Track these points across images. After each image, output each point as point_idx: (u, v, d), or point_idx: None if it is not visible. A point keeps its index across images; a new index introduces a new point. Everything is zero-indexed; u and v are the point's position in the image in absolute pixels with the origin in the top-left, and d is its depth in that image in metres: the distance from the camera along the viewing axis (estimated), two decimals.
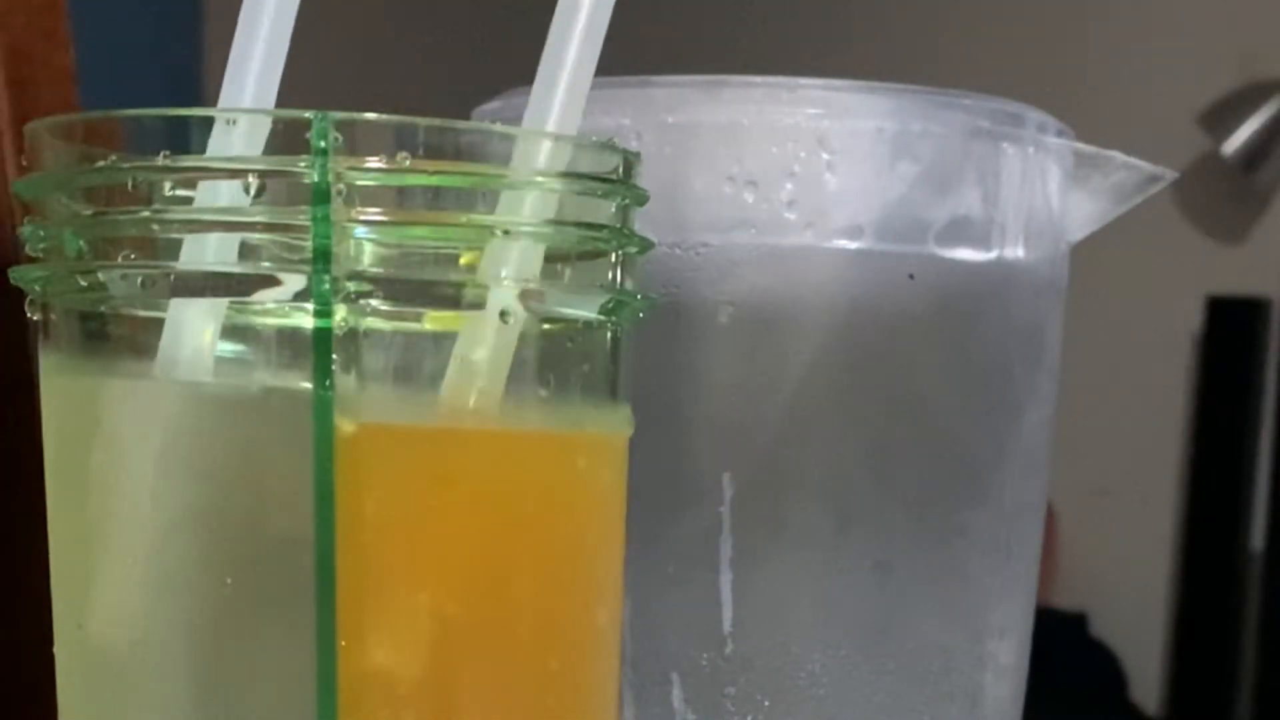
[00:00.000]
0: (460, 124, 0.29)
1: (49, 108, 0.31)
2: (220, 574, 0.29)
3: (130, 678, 0.30)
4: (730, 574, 0.42)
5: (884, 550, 0.43)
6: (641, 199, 0.32)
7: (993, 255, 0.44)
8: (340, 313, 0.28)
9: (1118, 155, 0.46)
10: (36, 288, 0.30)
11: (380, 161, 0.28)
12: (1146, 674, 2.25)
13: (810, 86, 0.43)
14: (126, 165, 0.29)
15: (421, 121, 0.28)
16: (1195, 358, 2.27)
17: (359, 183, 0.28)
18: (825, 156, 0.42)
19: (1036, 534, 0.47)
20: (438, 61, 2.38)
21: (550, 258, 0.31)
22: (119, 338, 0.31)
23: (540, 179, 0.30)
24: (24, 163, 0.31)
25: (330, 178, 0.28)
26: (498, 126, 0.29)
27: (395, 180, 0.29)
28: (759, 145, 0.42)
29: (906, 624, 0.43)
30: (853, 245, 0.43)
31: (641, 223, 0.32)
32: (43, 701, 0.33)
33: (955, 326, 0.44)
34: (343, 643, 0.28)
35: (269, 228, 0.29)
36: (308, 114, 0.28)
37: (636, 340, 0.32)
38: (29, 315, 0.31)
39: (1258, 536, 2.22)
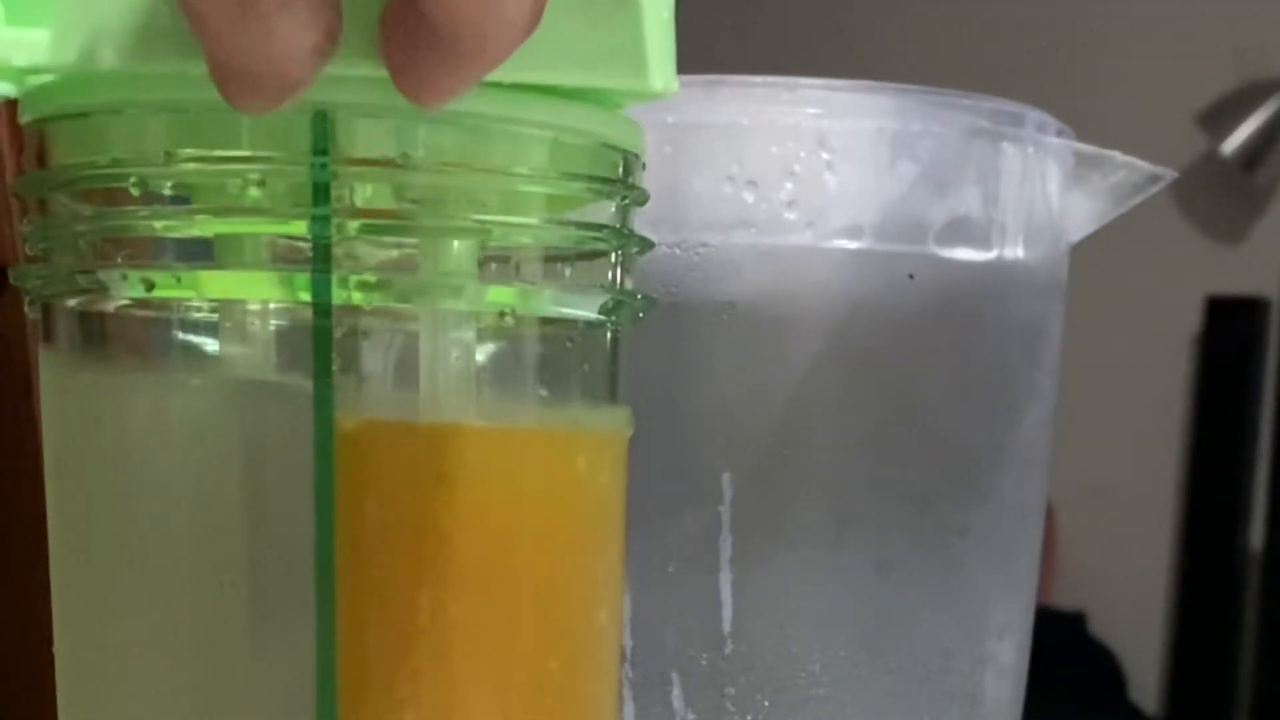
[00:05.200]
0: (461, 121, 0.29)
1: None
2: (220, 573, 0.29)
3: (130, 678, 0.30)
4: (730, 574, 0.42)
5: (884, 550, 0.43)
6: (641, 199, 0.32)
7: (993, 255, 0.44)
8: (340, 312, 0.28)
9: (1117, 155, 0.46)
10: (36, 288, 0.30)
11: (380, 160, 0.28)
12: (1145, 673, 2.25)
13: (810, 86, 0.43)
14: (126, 165, 0.29)
15: (422, 119, 0.28)
16: (1195, 358, 2.28)
17: (359, 182, 0.28)
18: (825, 156, 0.42)
19: (1036, 534, 0.47)
20: None
21: (550, 258, 0.31)
22: (119, 338, 0.31)
23: (540, 178, 0.30)
24: (24, 163, 0.30)
25: (330, 177, 0.28)
26: (498, 124, 0.29)
27: (395, 179, 0.29)
28: (759, 145, 0.42)
29: (906, 624, 0.43)
30: (853, 245, 0.43)
31: (641, 223, 0.32)
32: (43, 702, 0.33)
33: (955, 326, 0.44)
34: (342, 642, 0.28)
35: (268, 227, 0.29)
36: (308, 112, 0.28)
37: (636, 340, 0.32)
38: (29, 315, 0.31)
39: (1257, 536, 2.22)
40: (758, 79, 0.43)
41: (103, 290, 0.29)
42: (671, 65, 0.30)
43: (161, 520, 0.29)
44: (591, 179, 0.30)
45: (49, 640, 0.31)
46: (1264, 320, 2.22)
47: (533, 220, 0.30)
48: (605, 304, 0.31)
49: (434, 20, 0.25)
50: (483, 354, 0.30)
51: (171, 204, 0.29)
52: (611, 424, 0.32)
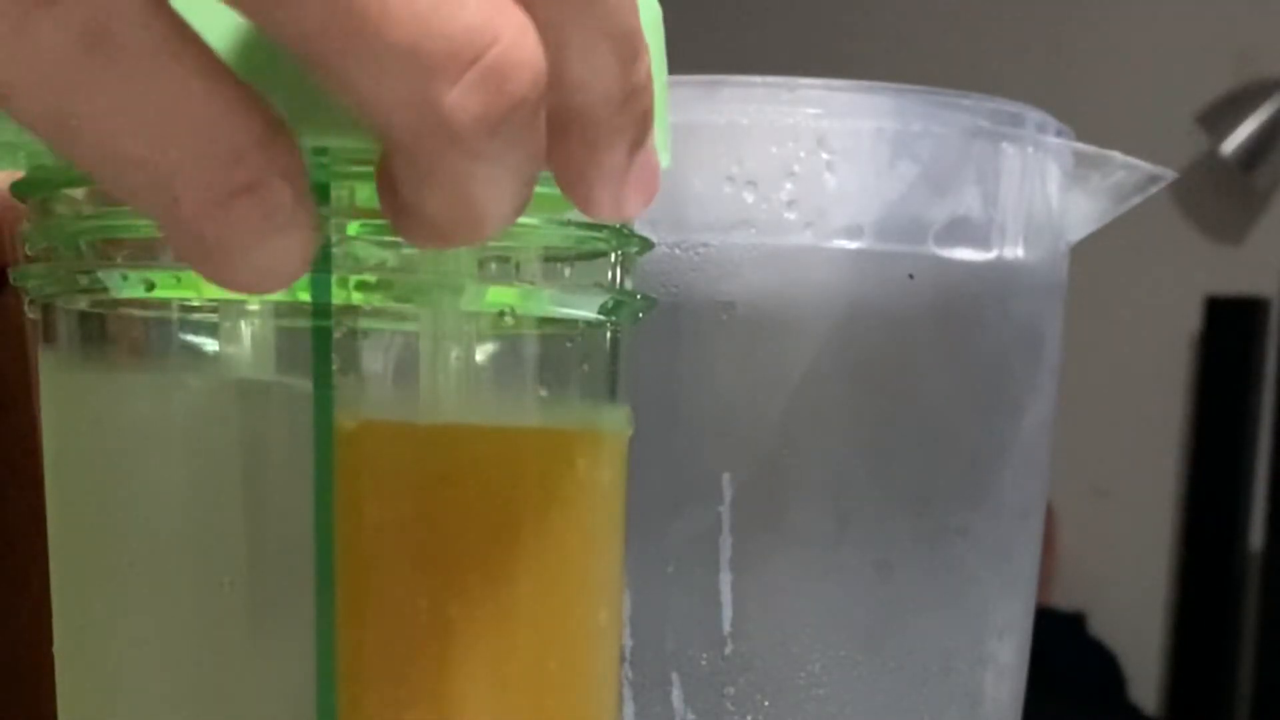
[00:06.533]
0: None
1: None
2: (220, 573, 0.29)
3: (130, 678, 0.30)
4: (730, 574, 0.42)
5: (884, 550, 0.43)
6: None
7: (992, 255, 0.44)
8: (340, 312, 0.28)
9: (1117, 155, 0.46)
10: (36, 288, 0.30)
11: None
12: (1145, 674, 2.25)
13: (810, 86, 0.43)
14: None
15: None
16: (1194, 358, 2.28)
17: (359, 182, 0.28)
18: (825, 156, 0.42)
19: (1036, 534, 0.47)
20: None
21: (550, 258, 0.31)
22: (119, 337, 0.31)
23: (540, 178, 0.30)
24: None
25: (330, 177, 0.28)
26: None
27: None
28: (759, 145, 0.42)
29: (906, 624, 0.43)
30: (853, 245, 0.43)
31: (641, 223, 0.32)
32: (43, 701, 0.33)
33: (955, 326, 0.44)
34: (342, 642, 0.28)
35: None
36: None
37: (636, 340, 0.32)
38: (29, 315, 0.31)
39: (1257, 536, 2.22)
40: (758, 79, 0.43)
41: (103, 290, 0.29)
42: (666, 137, 0.30)
43: (161, 520, 0.29)
44: None
45: (49, 640, 0.31)
46: (1264, 320, 2.23)
47: (533, 220, 0.30)
48: (605, 304, 0.31)
49: (416, 213, 0.25)
50: (483, 354, 0.30)
51: None
52: (611, 424, 0.32)
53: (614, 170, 0.27)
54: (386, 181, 0.26)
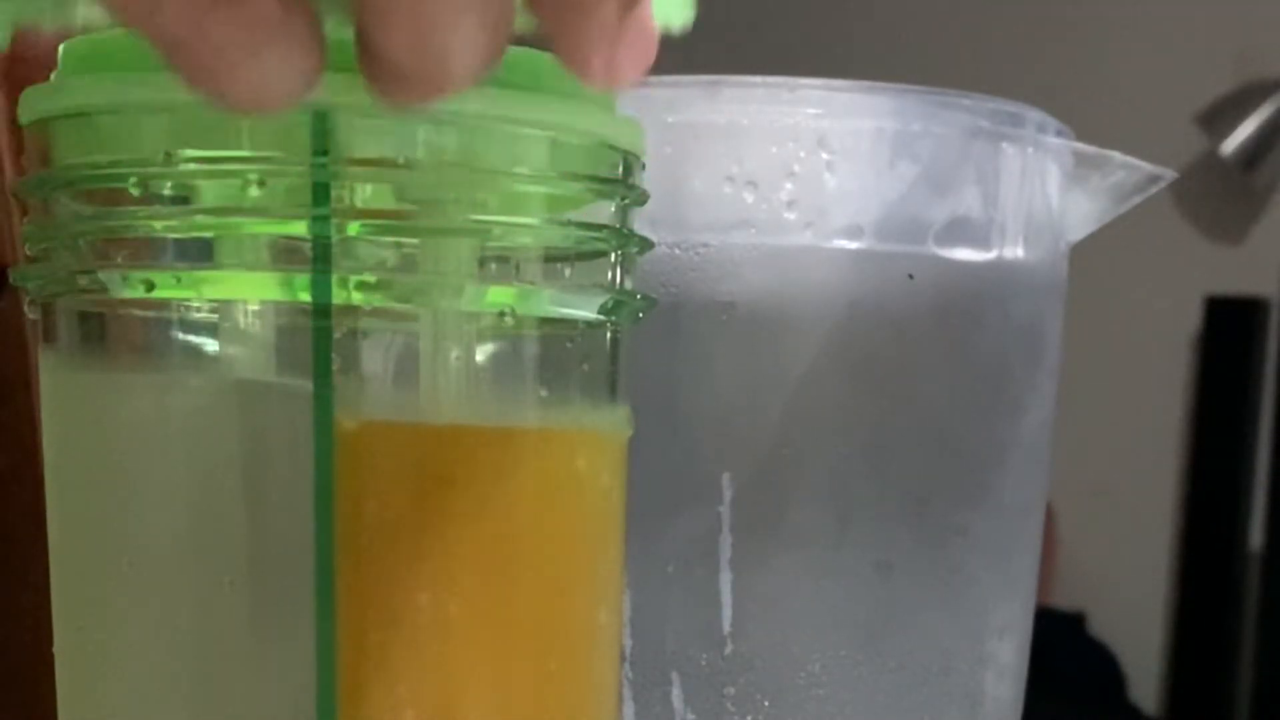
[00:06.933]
0: (461, 121, 0.29)
1: None
2: (220, 573, 0.29)
3: (130, 678, 0.30)
4: (730, 574, 0.42)
5: (884, 550, 0.43)
6: (641, 199, 0.32)
7: (992, 255, 0.44)
8: (340, 312, 0.28)
9: (1117, 155, 0.46)
10: (36, 288, 0.30)
11: (380, 160, 0.28)
12: (1145, 674, 2.25)
13: (810, 86, 0.43)
14: (126, 165, 0.29)
15: (421, 119, 0.28)
16: (1194, 358, 2.28)
17: (359, 182, 0.28)
18: (825, 156, 0.42)
19: (1036, 534, 0.47)
20: None
21: (550, 258, 0.31)
22: (119, 337, 0.31)
23: (540, 178, 0.30)
24: (24, 163, 0.31)
25: (330, 177, 0.28)
26: (498, 124, 0.29)
27: (395, 179, 0.29)
28: (759, 145, 0.42)
29: (906, 624, 0.43)
30: (852, 245, 0.43)
31: (641, 223, 0.32)
32: (43, 701, 0.33)
33: (955, 326, 0.44)
34: (342, 642, 0.28)
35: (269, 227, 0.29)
36: (308, 113, 0.28)
37: (636, 340, 0.32)
38: (29, 315, 0.31)
39: (1256, 536, 2.22)
40: (758, 79, 0.43)
41: (103, 290, 0.29)
42: None
43: (162, 520, 0.29)
44: (591, 179, 0.30)
45: (49, 640, 0.31)
46: (1264, 320, 2.22)
47: (533, 220, 0.30)
48: (605, 304, 0.31)
49: (382, 59, 0.25)
50: (483, 354, 0.30)
51: (171, 204, 0.29)
52: (611, 424, 0.32)
53: (605, 27, 0.26)
54: (361, 39, 0.25)
